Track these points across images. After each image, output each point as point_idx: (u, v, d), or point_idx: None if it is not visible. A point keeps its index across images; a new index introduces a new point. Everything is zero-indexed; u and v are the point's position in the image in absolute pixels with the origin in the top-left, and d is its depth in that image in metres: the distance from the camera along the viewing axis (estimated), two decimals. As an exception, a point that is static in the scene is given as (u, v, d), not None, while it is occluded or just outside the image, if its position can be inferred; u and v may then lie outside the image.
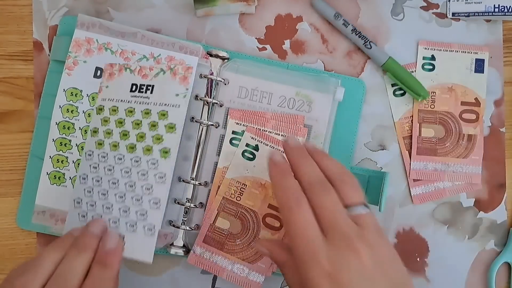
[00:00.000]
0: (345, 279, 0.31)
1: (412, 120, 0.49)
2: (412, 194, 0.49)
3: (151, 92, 0.44)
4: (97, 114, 0.45)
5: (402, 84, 0.48)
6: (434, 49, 0.49)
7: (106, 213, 0.43)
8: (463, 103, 0.49)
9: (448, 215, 0.49)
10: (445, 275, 0.48)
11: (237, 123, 0.45)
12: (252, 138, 0.42)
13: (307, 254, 0.32)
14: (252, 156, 0.41)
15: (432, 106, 0.49)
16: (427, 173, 0.48)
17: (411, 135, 0.49)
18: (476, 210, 0.49)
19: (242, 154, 0.42)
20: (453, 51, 0.49)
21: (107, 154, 0.44)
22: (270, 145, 0.43)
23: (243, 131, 0.45)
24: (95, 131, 0.45)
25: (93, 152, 0.44)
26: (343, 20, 0.48)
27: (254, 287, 0.45)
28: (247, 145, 0.42)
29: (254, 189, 0.44)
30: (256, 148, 0.41)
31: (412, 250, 0.49)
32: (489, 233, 0.49)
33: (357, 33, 0.48)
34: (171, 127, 0.44)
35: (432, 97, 0.49)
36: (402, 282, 0.33)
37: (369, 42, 0.47)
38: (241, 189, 0.44)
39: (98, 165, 0.44)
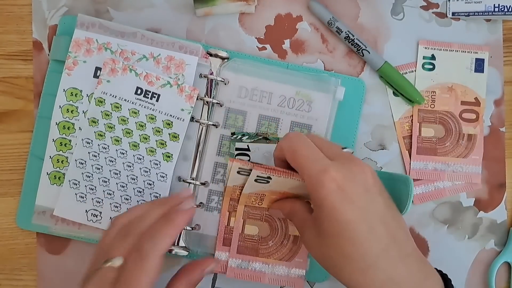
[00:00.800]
0: (352, 190, 0.34)
1: (412, 119, 0.49)
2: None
3: (157, 100, 0.45)
4: (96, 105, 0.45)
5: (396, 89, 0.48)
6: (434, 49, 0.49)
7: (107, 197, 0.45)
8: (463, 103, 0.49)
9: (448, 215, 0.49)
10: (445, 275, 0.48)
11: (261, 173, 0.40)
12: (261, 173, 0.39)
13: (318, 172, 0.34)
14: (265, 182, 0.40)
15: (432, 106, 0.49)
16: (427, 173, 0.48)
17: (411, 135, 0.49)
18: (476, 209, 0.49)
19: (255, 180, 0.40)
20: (453, 50, 0.49)
21: (108, 146, 0.45)
22: (284, 177, 0.39)
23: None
24: (94, 121, 0.45)
25: (92, 141, 0.45)
26: (337, 27, 0.48)
27: (297, 283, 0.46)
28: (258, 176, 0.39)
29: (274, 196, 0.43)
30: (269, 178, 0.39)
31: (412, 249, 0.49)
32: (489, 232, 0.49)
33: (349, 40, 0.48)
34: (174, 136, 0.45)
35: (432, 96, 0.49)
36: (392, 204, 0.37)
37: (362, 50, 0.47)
38: (261, 196, 0.44)
39: (99, 154, 0.45)
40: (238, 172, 0.40)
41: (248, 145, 0.46)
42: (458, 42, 0.49)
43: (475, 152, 0.49)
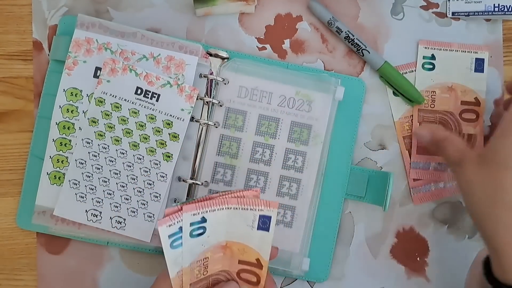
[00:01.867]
0: None
1: (412, 119, 0.49)
2: (412, 194, 0.49)
3: (157, 100, 0.45)
4: (96, 105, 0.45)
5: (396, 89, 0.48)
6: (434, 49, 0.49)
7: (107, 197, 0.45)
8: (463, 103, 0.49)
9: (448, 215, 0.49)
10: (445, 275, 0.48)
11: (194, 214, 0.35)
12: (193, 215, 0.34)
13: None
14: (202, 230, 0.35)
15: (432, 106, 0.49)
16: (427, 173, 0.48)
17: (411, 135, 0.49)
18: (476, 209, 0.49)
19: (189, 234, 0.35)
20: (453, 50, 0.49)
21: (108, 146, 0.45)
22: (219, 208, 0.35)
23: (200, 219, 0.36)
24: (94, 121, 0.45)
25: (92, 141, 0.45)
26: (337, 27, 0.48)
27: None
28: (191, 224, 0.35)
29: (218, 254, 0.38)
30: (203, 219, 0.35)
31: (412, 249, 0.49)
32: (489, 232, 0.49)
33: (349, 40, 0.48)
34: (174, 136, 0.45)
35: (432, 96, 0.49)
36: None
37: (362, 50, 0.47)
38: (205, 263, 0.38)
39: (98, 154, 0.45)
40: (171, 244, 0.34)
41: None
42: (458, 42, 0.49)
43: None
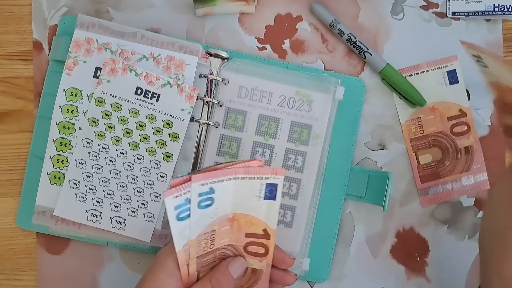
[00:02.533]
0: None
1: (418, 121, 0.49)
2: (420, 196, 0.49)
3: (157, 100, 0.45)
4: (96, 105, 0.45)
5: (398, 92, 0.48)
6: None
7: (107, 197, 0.45)
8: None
9: (448, 215, 0.49)
10: (445, 275, 0.48)
11: (203, 184, 0.34)
12: (203, 185, 0.33)
13: None
14: (210, 202, 0.34)
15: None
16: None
17: (418, 137, 0.49)
18: (476, 209, 0.49)
19: (198, 206, 0.34)
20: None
21: (108, 146, 0.45)
22: (227, 179, 0.34)
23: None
24: (93, 121, 0.45)
25: (92, 141, 0.45)
26: (339, 29, 0.48)
27: None
28: (200, 195, 0.33)
29: (224, 227, 0.37)
30: (212, 190, 0.34)
31: (412, 249, 0.49)
32: (489, 232, 0.49)
33: (351, 43, 0.48)
34: (174, 136, 0.45)
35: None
36: None
37: (364, 52, 0.47)
38: (212, 236, 0.37)
39: (99, 154, 0.45)
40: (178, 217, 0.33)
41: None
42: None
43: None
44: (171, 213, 0.33)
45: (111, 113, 0.45)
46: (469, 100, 0.49)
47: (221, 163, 0.35)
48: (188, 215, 0.34)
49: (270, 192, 0.36)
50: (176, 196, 0.33)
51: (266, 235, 0.38)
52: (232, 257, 0.39)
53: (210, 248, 0.38)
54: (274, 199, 0.36)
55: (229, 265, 0.38)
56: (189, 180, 0.33)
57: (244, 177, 0.35)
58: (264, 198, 0.36)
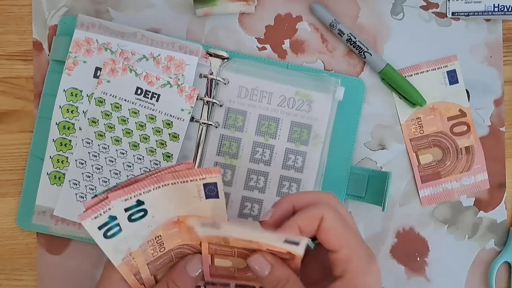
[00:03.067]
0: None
1: (418, 122, 0.49)
2: (420, 196, 0.49)
3: (157, 100, 0.45)
4: (96, 105, 0.45)
5: (398, 92, 0.48)
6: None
7: None
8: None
9: (448, 215, 0.49)
10: (445, 275, 0.48)
11: (125, 200, 0.32)
12: (125, 200, 0.31)
13: (369, 258, 0.33)
14: (143, 213, 0.32)
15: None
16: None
17: (418, 137, 0.49)
18: (476, 209, 0.49)
19: (128, 219, 0.32)
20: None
21: (108, 146, 0.45)
22: (154, 188, 0.32)
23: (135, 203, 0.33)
24: (94, 121, 0.45)
25: (92, 141, 0.45)
26: (338, 30, 0.48)
27: None
28: (127, 209, 0.32)
29: (172, 230, 0.35)
30: (140, 202, 0.32)
31: (412, 249, 0.49)
32: (489, 232, 0.49)
33: (351, 43, 0.48)
34: (174, 136, 0.45)
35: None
36: None
37: (364, 52, 0.47)
38: (159, 241, 0.35)
39: (99, 154, 0.45)
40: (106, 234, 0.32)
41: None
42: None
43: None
44: (95, 234, 0.32)
45: (111, 113, 0.45)
46: (469, 100, 0.49)
47: (143, 173, 0.33)
48: (120, 230, 0.33)
49: (211, 191, 0.34)
50: (96, 217, 0.31)
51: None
52: (190, 255, 0.37)
53: (161, 251, 0.36)
54: (218, 197, 0.34)
55: (186, 264, 0.36)
56: (106, 198, 0.31)
57: (174, 182, 0.32)
58: (206, 198, 0.34)
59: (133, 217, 0.32)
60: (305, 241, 0.32)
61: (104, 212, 0.31)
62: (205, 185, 0.33)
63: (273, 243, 0.33)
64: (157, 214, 0.33)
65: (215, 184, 0.33)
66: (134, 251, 0.34)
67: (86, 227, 0.31)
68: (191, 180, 0.33)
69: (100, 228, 0.32)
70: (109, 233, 0.32)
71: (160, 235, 0.35)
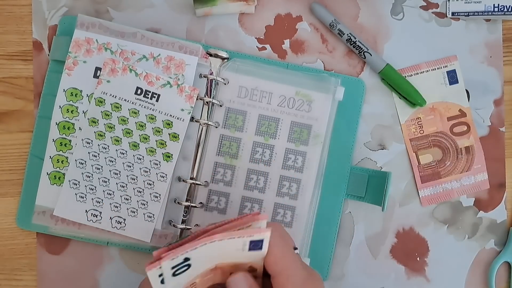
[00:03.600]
0: None
1: (418, 122, 0.49)
2: (420, 196, 0.49)
3: (157, 100, 0.45)
4: (96, 105, 0.45)
5: (398, 92, 0.48)
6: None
7: (107, 198, 0.45)
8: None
9: (448, 215, 0.49)
10: (445, 275, 0.48)
11: (173, 259, 0.31)
12: (173, 259, 0.31)
13: (305, 281, 0.35)
14: (187, 267, 0.32)
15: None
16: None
17: (418, 137, 0.49)
18: (476, 209, 0.49)
19: (172, 275, 0.32)
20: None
21: (108, 146, 0.45)
22: (201, 245, 0.31)
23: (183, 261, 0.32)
24: (93, 121, 0.45)
25: (92, 141, 0.45)
26: (338, 30, 0.48)
27: None
28: (173, 267, 0.31)
29: (207, 276, 0.35)
30: (186, 259, 0.31)
31: (412, 249, 0.49)
32: (489, 232, 0.49)
33: (351, 43, 0.48)
34: (174, 136, 0.45)
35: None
36: None
37: (364, 52, 0.47)
38: (192, 286, 0.34)
39: (98, 154, 0.45)
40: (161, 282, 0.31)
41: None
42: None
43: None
44: (155, 282, 0.31)
45: (111, 113, 0.45)
46: (469, 100, 0.49)
47: (215, 223, 0.33)
48: (162, 282, 0.32)
49: (255, 245, 0.33)
50: (160, 267, 0.31)
51: (252, 269, 0.36)
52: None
53: None
54: (261, 249, 0.34)
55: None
56: (160, 259, 0.31)
57: (222, 239, 0.32)
58: (249, 250, 0.33)
59: (177, 273, 0.32)
60: (268, 234, 0.32)
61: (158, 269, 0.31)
62: (251, 241, 0.33)
63: (237, 255, 0.33)
64: (199, 266, 0.33)
65: (261, 240, 0.33)
66: None
67: (150, 277, 0.31)
68: (238, 237, 0.32)
69: (159, 275, 0.31)
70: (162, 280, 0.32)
71: (195, 282, 0.34)
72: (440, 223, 0.49)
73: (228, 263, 0.34)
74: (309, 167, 0.47)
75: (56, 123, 0.45)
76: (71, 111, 0.46)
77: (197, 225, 0.46)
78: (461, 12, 0.49)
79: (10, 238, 0.47)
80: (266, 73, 0.47)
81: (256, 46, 0.49)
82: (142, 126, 0.45)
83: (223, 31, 0.49)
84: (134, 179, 0.45)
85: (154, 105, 0.45)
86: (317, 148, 0.47)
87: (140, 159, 0.45)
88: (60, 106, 0.46)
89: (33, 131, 0.47)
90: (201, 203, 0.46)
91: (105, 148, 0.45)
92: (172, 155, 0.45)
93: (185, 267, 0.32)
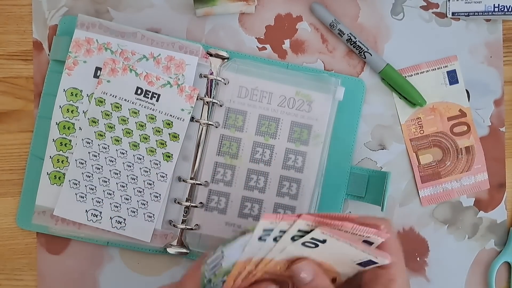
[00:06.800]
0: None
1: (418, 122, 0.49)
2: (420, 196, 0.49)
3: (157, 100, 0.45)
4: (96, 105, 0.45)
5: (398, 92, 0.48)
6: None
7: (107, 197, 0.45)
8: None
9: (448, 215, 0.49)
10: (445, 275, 0.48)
11: (308, 225, 0.31)
12: (322, 233, 0.30)
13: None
14: (314, 245, 0.31)
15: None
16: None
17: (418, 137, 0.49)
18: (476, 209, 0.49)
19: (302, 243, 0.31)
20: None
21: (108, 146, 0.45)
22: (344, 242, 0.31)
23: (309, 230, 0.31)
24: (94, 121, 0.45)
25: (92, 141, 0.45)
26: (339, 30, 0.48)
27: None
28: (312, 238, 0.31)
29: (274, 265, 0.33)
30: (323, 241, 0.31)
31: (412, 249, 0.49)
32: (489, 232, 0.49)
33: (351, 43, 0.48)
34: (174, 136, 0.45)
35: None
36: None
37: (364, 52, 0.47)
38: (262, 262, 0.33)
39: (99, 154, 0.45)
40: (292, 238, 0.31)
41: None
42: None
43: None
44: (258, 231, 0.30)
45: (111, 113, 0.45)
46: (469, 100, 0.49)
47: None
48: (273, 240, 0.31)
49: (366, 264, 0.33)
50: (271, 223, 0.30)
51: (333, 280, 0.35)
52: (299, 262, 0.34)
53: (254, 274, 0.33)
54: (364, 267, 0.33)
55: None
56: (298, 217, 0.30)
57: (350, 244, 0.31)
58: (356, 264, 0.33)
59: (306, 244, 0.31)
60: (386, 263, 0.32)
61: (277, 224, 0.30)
62: (370, 260, 0.32)
63: (344, 262, 0.33)
64: (316, 254, 0.32)
65: (377, 263, 0.33)
66: (261, 259, 0.32)
67: (260, 224, 0.29)
68: (363, 251, 0.31)
69: (264, 230, 0.30)
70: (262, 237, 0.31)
71: (269, 261, 0.33)
72: (440, 223, 0.49)
73: (327, 263, 0.33)
74: (309, 167, 0.47)
75: (56, 123, 0.45)
76: (71, 111, 0.46)
77: (197, 225, 0.46)
78: (461, 12, 0.49)
79: (10, 238, 0.47)
80: (266, 73, 0.47)
81: (256, 46, 0.49)
82: (142, 126, 0.45)
83: (223, 31, 0.49)
84: (134, 179, 0.45)
85: (154, 105, 0.45)
86: (317, 148, 0.47)
87: (140, 159, 0.45)
88: (60, 106, 0.46)
89: (33, 131, 0.47)
90: (201, 203, 0.46)
91: (105, 148, 0.45)
92: (172, 155, 0.45)
93: (313, 245, 0.31)
